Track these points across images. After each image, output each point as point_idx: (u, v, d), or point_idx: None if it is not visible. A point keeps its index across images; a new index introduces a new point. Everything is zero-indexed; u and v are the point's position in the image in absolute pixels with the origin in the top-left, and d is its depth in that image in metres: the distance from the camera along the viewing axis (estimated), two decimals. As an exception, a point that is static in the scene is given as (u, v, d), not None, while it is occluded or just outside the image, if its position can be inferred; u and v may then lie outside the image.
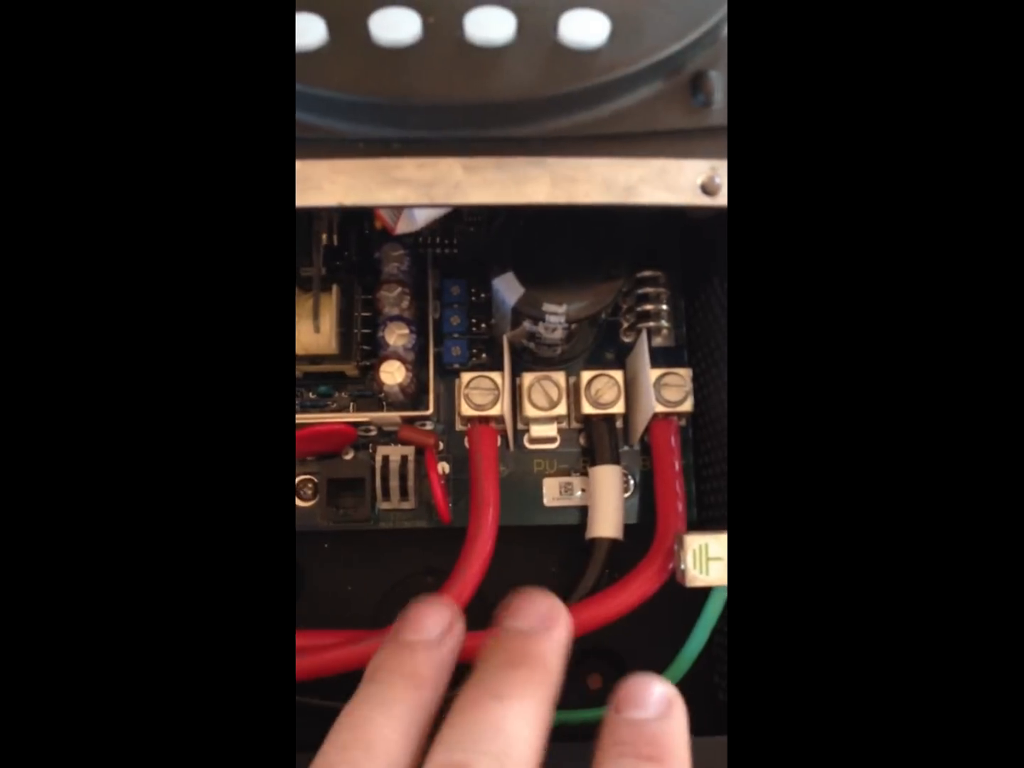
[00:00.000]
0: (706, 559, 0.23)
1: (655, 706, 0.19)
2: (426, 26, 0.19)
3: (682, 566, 0.23)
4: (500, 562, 0.26)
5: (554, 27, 0.19)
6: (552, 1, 0.19)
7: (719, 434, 0.27)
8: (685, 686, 0.24)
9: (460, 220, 0.29)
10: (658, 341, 0.30)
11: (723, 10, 0.20)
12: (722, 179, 0.20)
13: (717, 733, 0.21)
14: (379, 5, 0.19)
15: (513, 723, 0.18)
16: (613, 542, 0.27)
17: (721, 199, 0.21)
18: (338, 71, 0.19)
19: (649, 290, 0.29)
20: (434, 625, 0.20)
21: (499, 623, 0.20)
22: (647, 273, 0.29)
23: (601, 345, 0.30)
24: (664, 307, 0.29)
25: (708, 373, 0.28)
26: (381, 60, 0.19)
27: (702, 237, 0.28)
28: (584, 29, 0.19)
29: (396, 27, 0.19)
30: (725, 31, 0.21)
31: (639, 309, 0.29)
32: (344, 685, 0.20)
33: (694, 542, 0.23)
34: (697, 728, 0.20)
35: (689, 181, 0.20)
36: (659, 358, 0.28)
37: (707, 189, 0.20)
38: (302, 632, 0.25)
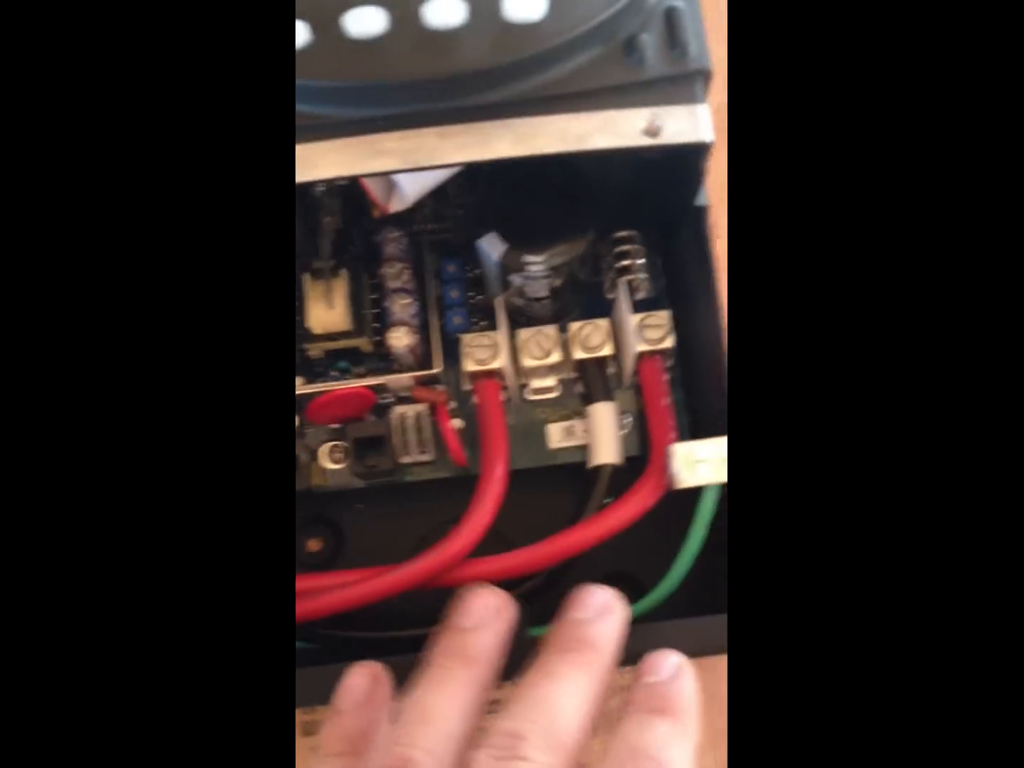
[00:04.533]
0: (693, 462, 0.26)
1: (666, 671, 0.22)
2: (391, 19, 0.22)
3: (672, 471, 0.26)
4: (515, 502, 0.29)
5: (499, 7, 0.23)
6: (495, -14, 0.23)
7: (700, 366, 0.30)
8: (691, 582, 0.27)
9: (449, 204, 0.32)
10: (640, 295, 0.33)
11: (644, -21, 0.24)
12: (661, 122, 0.24)
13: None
14: (350, 5, 0.22)
15: (561, 697, 0.21)
16: (614, 468, 0.29)
17: (662, 139, 0.24)
18: (323, 64, 0.22)
19: (626, 248, 0.32)
20: (480, 612, 0.24)
21: (562, 614, 0.24)
22: (623, 233, 0.32)
23: (590, 306, 0.33)
24: (641, 262, 0.32)
25: (687, 316, 0.31)
26: (357, 51, 0.22)
27: (671, 196, 0.31)
28: (525, 6, 0.22)
29: (366, 22, 0.22)
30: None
31: (618, 266, 0.32)
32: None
33: (681, 448, 0.26)
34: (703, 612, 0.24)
35: (633, 127, 0.24)
36: (641, 308, 0.31)
37: (649, 132, 0.24)
38: (339, 572, 0.28)
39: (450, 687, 0.22)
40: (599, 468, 0.29)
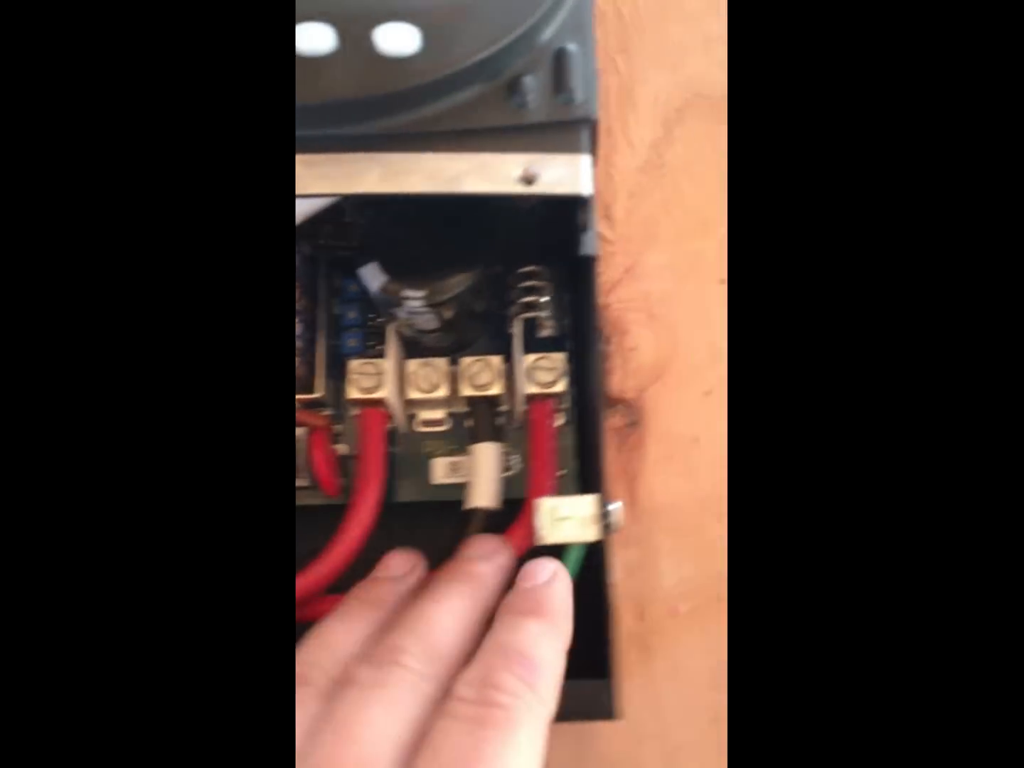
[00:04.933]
0: (556, 519, 0.25)
1: (541, 577, 0.24)
2: (258, 41, 0.22)
3: (536, 526, 0.25)
4: (396, 536, 0.29)
5: (371, 38, 0.22)
6: (366, 15, 0.22)
7: (585, 415, 0.29)
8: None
9: (354, 222, 0.31)
10: (544, 332, 0.32)
11: (532, 20, 0.23)
12: (538, 170, 0.23)
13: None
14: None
15: (441, 615, 0.23)
16: (489, 512, 0.29)
17: (538, 187, 0.23)
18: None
19: (531, 283, 0.31)
20: (397, 566, 0.26)
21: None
22: (530, 268, 0.31)
23: (493, 338, 0.32)
24: (545, 299, 0.31)
25: (586, 358, 0.30)
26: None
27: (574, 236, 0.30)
28: (396, 39, 0.22)
29: (231, 43, 0.21)
30: (541, 38, 0.23)
31: (522, 302, 0.31)
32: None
33: (547, 503, 0.26)
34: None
35: (508, 173, 0.23)
36: (542, 347, 0.30)
37: (525, 179, 0.23)
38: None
39: (352, 621, 0.23)
40: (473, 511, 0.29)
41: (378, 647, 0.22)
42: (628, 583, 0.31)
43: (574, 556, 0.26)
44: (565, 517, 0.25)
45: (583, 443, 0.31)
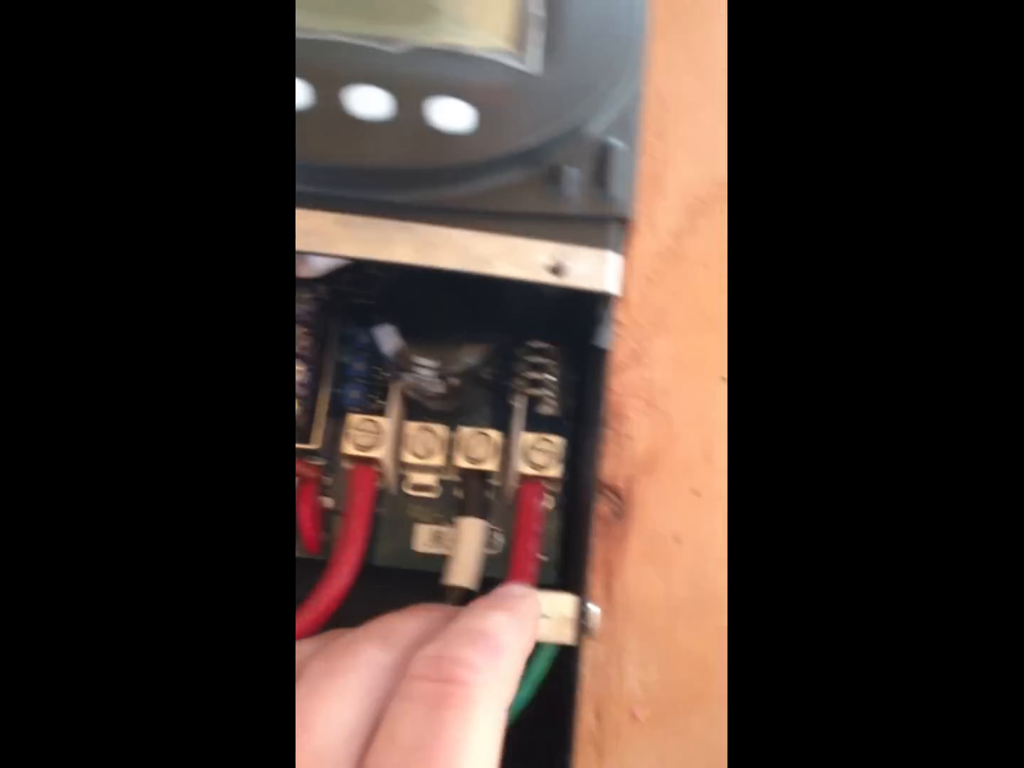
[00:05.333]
0: (533, 615, 0.25)
1: (513, 592, 0.24)
2: (314, 96, 0.22)
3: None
4: (367, 600, 0.28)
5: (426, 111, 0.22)
6: (422, 86, 0.22)
7: (575, 506, 0.29)
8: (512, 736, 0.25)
9: (374, 274, 0.31)
10: (546, 410, 0.32)
11: (582, 112, 0.23)
12: (566, 261, 0.23)
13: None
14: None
15: (404, 618, 0.23)
16: (465, 592, 0.28)
17: (564, 279, 0.23)
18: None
19: (539, 360, 0.31)
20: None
21: None
22: (539, 344, 0.31)
23: (495, 408, 0.32)
24: (550, 377, 0.31)
25: (584, 444, 0.30)
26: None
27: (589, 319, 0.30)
28: (450, 115, 0.22)
29: (285, 95, 0.21)
30: (588, 130, 0.23)
31: (529, 377, 0.31)
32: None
33: (523, 597, 0.25)
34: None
35: (537, 260, 0.23)
36: (543, 426, 0.30)
37: (554, 270, 0.23)
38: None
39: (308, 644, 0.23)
40: (449, 589, 0.28)
41: (333, 642, 0.21)
42: (591, 681, 0.31)
43: (546, 655, 0.25)
44: (542, 615, 0.25)
45: (569, 531, 0.30)
